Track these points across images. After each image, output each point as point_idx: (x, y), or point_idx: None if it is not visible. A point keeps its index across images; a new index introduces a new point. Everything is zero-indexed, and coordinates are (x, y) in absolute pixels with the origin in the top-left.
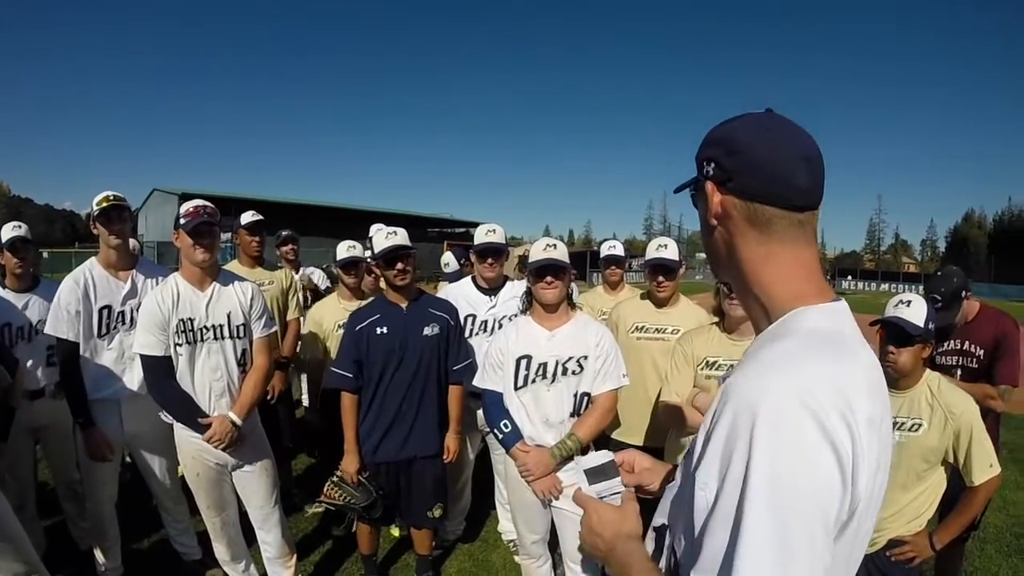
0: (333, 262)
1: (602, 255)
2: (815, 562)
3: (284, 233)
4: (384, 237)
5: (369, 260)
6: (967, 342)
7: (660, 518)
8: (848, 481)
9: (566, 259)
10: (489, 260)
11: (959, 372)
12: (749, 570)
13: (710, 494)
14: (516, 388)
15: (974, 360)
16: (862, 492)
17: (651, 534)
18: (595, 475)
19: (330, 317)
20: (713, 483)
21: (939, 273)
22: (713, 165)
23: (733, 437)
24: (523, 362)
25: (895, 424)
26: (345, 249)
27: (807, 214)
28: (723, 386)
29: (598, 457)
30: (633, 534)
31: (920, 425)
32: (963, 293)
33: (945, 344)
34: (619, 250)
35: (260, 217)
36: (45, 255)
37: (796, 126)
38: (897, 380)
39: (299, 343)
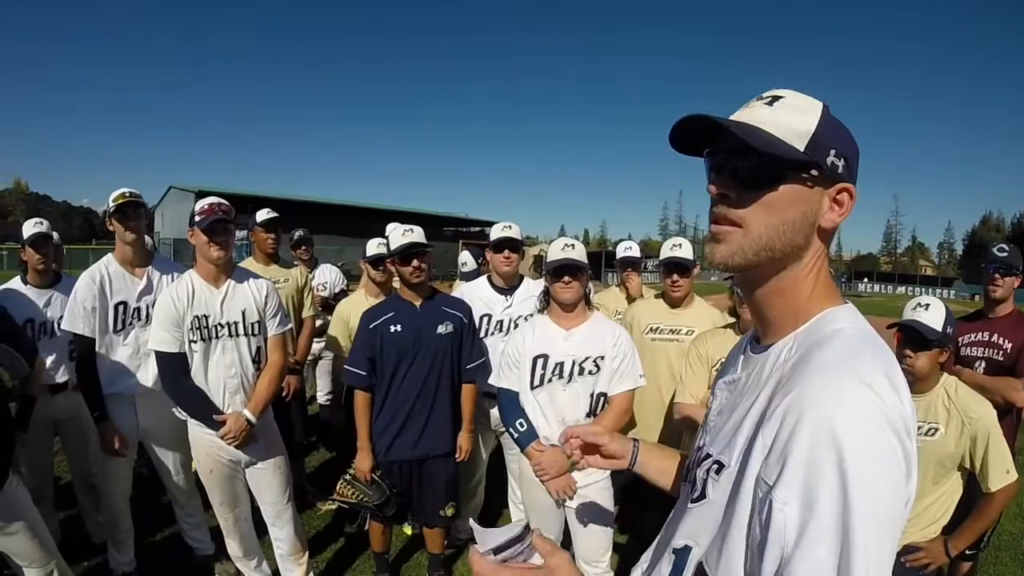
0: (362, 258)
1: (618, 256)
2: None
3: (298, 235)
4: (401, 234)
5: (367, 258)
6: (995, 334)
7: (682, 539)
8: (909, 481)
9: (584, 259)
10: (506, 253)
11: (983, 364)
12: None
13: (792, 514)
14: (532, 387)
15: (1000, 353)
16: (912, 490)
17: (668, 556)
18: (500, 550)
19: (357, 313)
20: (796, 502)
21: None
22: (844, 163)
23: (819, 452)
24: (539, 361)
25: None
26: (375, 246)
27: None
28: (788, 400)
29: (503, 532)
30: None
31: (937, 430)
32: (1020, 268)
33: (972, 335)
34: (635, 251)
35: (275, 214)
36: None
37: None
38: (914, 384)
39: (323, 340)
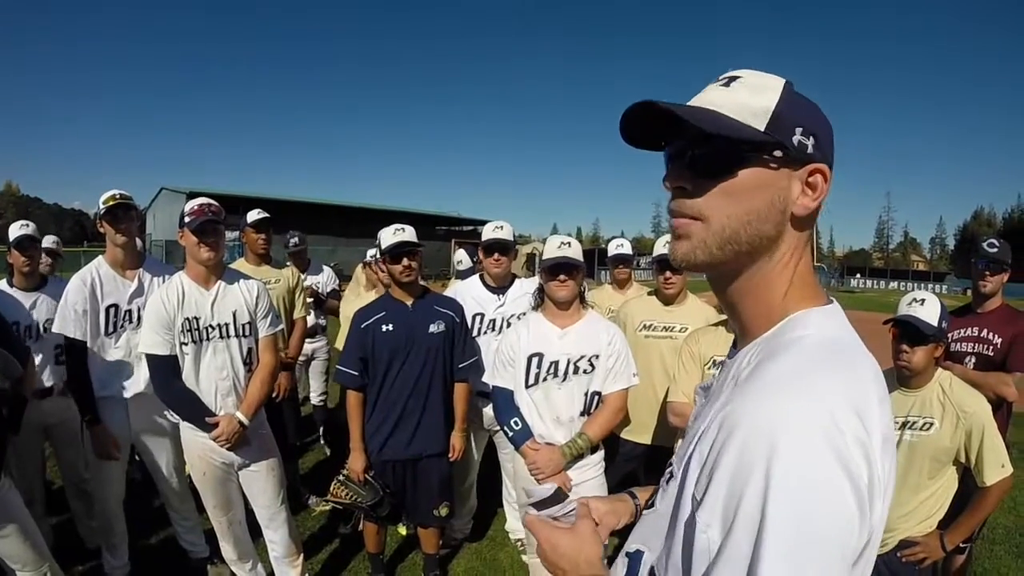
0: (372, 258)
1: (610, 254)
2: None
3: (293, 241)
4: (392, 233)
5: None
6: (985, 329)
7: (635, 544)
8: (865, 515)
9: (580, 257)
10: (496, 255)
11: (973, 360)
12: None
13: (714, 536)
14: (527, 386)
15: (990, 348)
16: (876, 521)
17: (622, 559)
18: (543, 504)
19: None
20: (718, 524)
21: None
22: (813, 141)
23: (744, 474)
24: (534, 360)
25: (907, 423)
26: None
27: None
28: (723, 413)
29: (546, 489)
30: (593, 559)
31: (932, 424)
32: (1008, 264)
33: (961, 331)
34: (627, 248)
35: (266, 215)
36: (61, 254)
37: None
38: (909, 379)
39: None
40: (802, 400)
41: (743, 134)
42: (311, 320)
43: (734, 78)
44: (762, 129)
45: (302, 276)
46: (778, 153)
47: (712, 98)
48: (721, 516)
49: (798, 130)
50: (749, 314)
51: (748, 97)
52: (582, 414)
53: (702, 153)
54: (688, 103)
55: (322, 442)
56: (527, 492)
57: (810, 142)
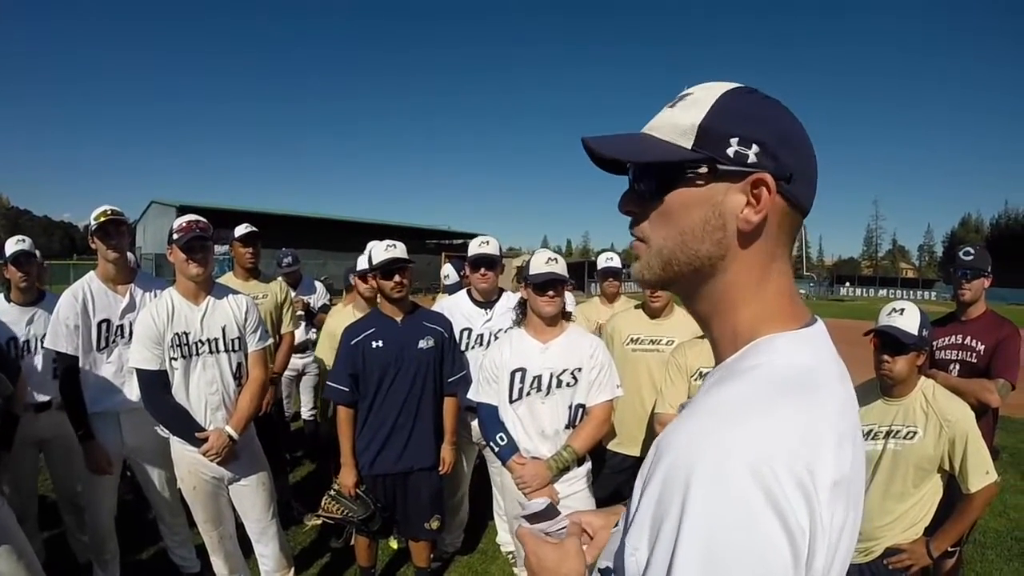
0: (354, 271)
1: (599, 267)
2: None
3: (286, 261)
4: (383, 249)
5: (358, 272)
6: (968, 337)
7: (605, 561)
8: (801, 563)
9: (566, 273)
10: (482, 271)
11: (957, 367)
12: None
13: (641, 559)
14: (511, 401)
15: (973, 355)
16: (820, 567)
17: (595, 574)
18: (536, 518)
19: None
20: (644, 549)
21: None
22: (758, 148)
23: (667, 499)
24: (517, 375)
25: (891, 432)
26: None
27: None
28: (659, 439)
29: (539, 504)
30: (573, 574)
31: (915, 433)
32: (987, 270)
33: (946, 339)
34: (616, 262)
35: (253, 229)
36: (44, 264)
37: None
38: (892, 388)
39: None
40: (735, 431)
41: (669, 156)
42: (302, 335)
43: (684, 96)
44: (689, 147)
45: (291, 291)
46: (703, 169)
47: (655, 121)
48: (647, 541)
49: (733, 140)
50: (716, 336)
51: (680, 115)
52: (567, 427)
53: (641, 179)
54: (644, 127)
55: (312, 457)
56: (521, 505)
57: (752, 151)
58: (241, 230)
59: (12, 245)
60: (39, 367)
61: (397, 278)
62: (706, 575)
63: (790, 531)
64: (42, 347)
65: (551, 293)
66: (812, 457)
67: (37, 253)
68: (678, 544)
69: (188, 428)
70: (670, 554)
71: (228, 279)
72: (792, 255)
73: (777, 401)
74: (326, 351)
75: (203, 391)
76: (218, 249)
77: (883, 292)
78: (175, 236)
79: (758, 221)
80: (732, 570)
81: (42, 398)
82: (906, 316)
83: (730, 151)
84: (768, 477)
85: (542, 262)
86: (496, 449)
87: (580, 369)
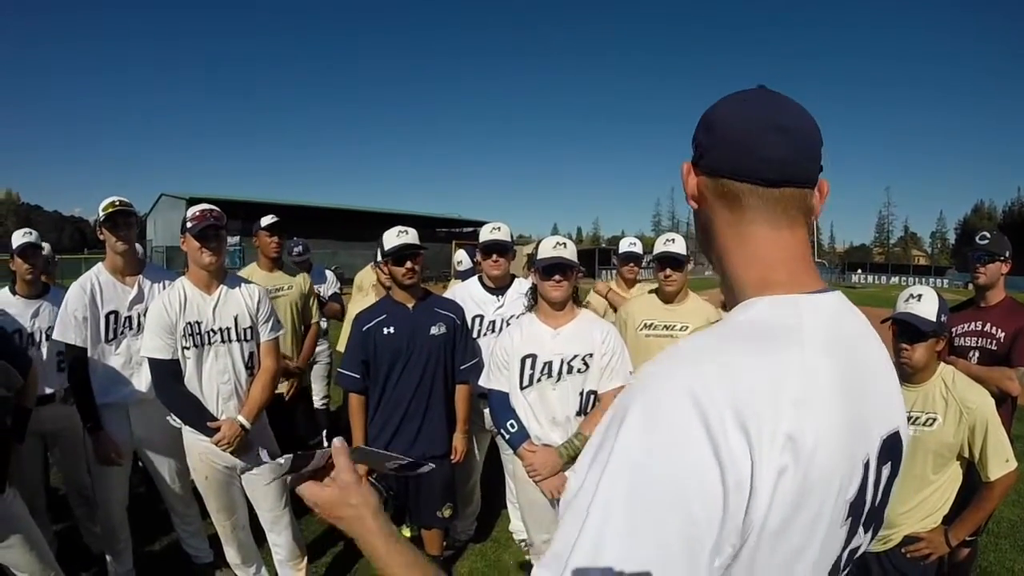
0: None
1: (621, 251)
2: (666, 558)
3: (297, 250)
4: (395, 235)
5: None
6: (988, 324)
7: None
8: (733, 499)
9: (575, 258)
10: (494, 257)
11: (976, 354)
12: (589, 546)
13: (577, 480)
14: (522, 387)
15: (993, 342)
16: (772, 522)
17: None
18: (293, 470)
19: None
20: (583, 469)
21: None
22: (698, 148)
23: (609, 425)
24: (528, 361)
25: (910, 418)
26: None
27: (785, 190)
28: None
29: (279, 463)
30: (355, 497)
31: (935, 419)
32: (1003, 255)
33: (965, 325)
34: (639, 248)
35: (277, 219)
36: (54, 259)
37: (781, 98)
38: (911, 375)
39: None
40: (685, 368)
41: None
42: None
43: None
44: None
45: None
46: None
47: None
48: (587, 463)
49: (698, 147)
50: (727, 302)
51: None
52: (578, 414)
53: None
54: None
55: (325, 445)
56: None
57: (697, 152)
58: (267, 220)
59: (19, 237)
60: (44, 360)
61: (409, 264)
62: (632, 491)
63: (721, 460)
64: (47, 340)
65: (557, 277)
66: (762, 406)
67: (45, 246)
68: (609, 461)
69: (200, 417)
70: (601, 471)
71: (252, 269)
72: (788, 226)
73: (735, 347)
74: (345, 341)
75: (215, 380)
76: (229, 240)
77: (895, 279)
78: (188, 224)
79: (691, 195)
80: (658, 487)
81: (46, 390)
82: (924, 302)
83: (697, 155)
84: (707, 407)
85: (550, 247)
86: (507, 436)
87: (591, 355)
